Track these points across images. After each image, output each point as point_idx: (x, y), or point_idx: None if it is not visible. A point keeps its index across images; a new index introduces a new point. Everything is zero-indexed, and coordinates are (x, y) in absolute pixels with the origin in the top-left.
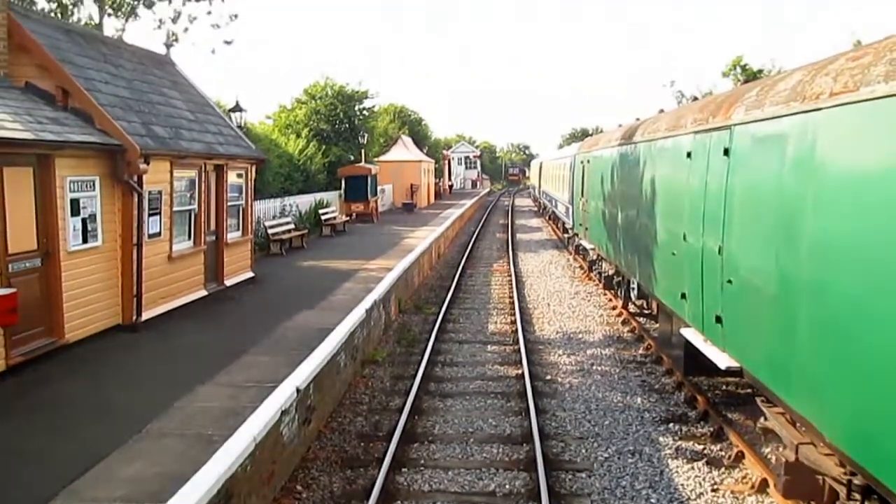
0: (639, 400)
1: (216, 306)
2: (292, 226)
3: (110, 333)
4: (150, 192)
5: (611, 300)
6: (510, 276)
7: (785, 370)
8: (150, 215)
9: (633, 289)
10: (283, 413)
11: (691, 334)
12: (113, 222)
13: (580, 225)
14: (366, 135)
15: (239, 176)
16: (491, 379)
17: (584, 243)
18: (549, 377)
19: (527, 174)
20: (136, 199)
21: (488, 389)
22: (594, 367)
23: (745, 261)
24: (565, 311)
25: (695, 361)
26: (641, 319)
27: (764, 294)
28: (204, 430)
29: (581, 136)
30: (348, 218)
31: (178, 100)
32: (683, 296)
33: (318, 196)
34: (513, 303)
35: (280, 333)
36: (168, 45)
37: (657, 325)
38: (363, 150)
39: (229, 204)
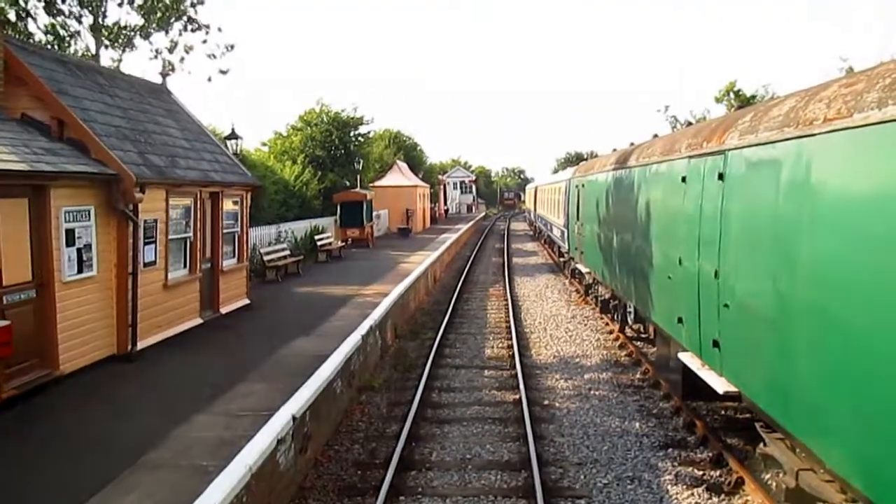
0: (637, 425)
1: (212, 335)
2: (288, 252)
3: (105, 364)
4: (145, 221)
5: (608, 324)
6: (506, 300)
7: (784, 395)
8: (145, 244)
9: (630, 313)
10: (279, 442)
11: (689, 359)
12: (108, 251)
13: (576, 249)
14: (361, 160)
15: (235, 203)
16: (488, 404)
17: (580, 267)
18: (546, 402)
19: (522, 198)
20: (131, 228)
21: (486, 415)
22: (592, 392)
23: (742, 284)
24: (562, 336)
25: (693, 386)
26: (639, 343)
27: (761, 318)
28: (199, 460)
29: (575, 160)
30: (344, 244)
31: (174, 128)
32: (680, 320)
33: (314, 222)
34: (509, 327)
35: (275, 361)
36: (164, 75)
37: (654, 350)
38: (358, 176)
39: (225, 231)
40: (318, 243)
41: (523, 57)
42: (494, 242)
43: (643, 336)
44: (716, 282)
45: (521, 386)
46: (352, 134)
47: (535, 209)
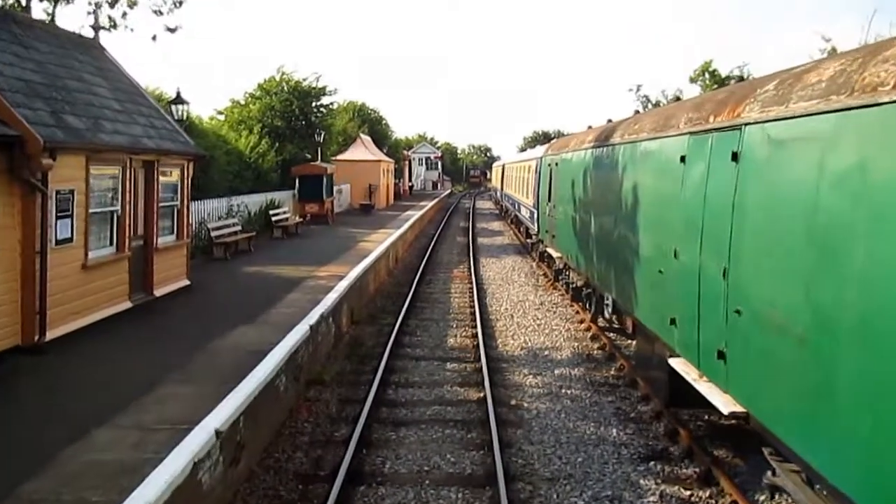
0: (614, 432)
1: (141, 321)
2: (239, 228)
3: (7, 357)
4: (58, 192)
5: (578, 312)
6: (471, 283)
7: (811, 426)
8: (58, 218)
9: (608, 305)
10: (198, 464)
11: (681, 366)
12: (11, 227)
13: (546, 232)
14: (322, 133)
15: (174, 174)
16: (450, 403)
17: (551, 251)
18: (513, 402)
19: (488, 176)
20: (39, 200)
21: (447, 416)
22: (563, 391)
23: (761, 289)
24: (530, 324)
25: (679, 392)
26: (612, 335)
27: (788, 332)
28: (88, 494)
29: (543, 138)
30: (302, 219)
31: (103, 87)
32: (673, 321)
33: (270, 196)
34: (474, 313)
35: (209, 355)
36: (96, 28)
37: (630, 343)
38: (319, 149)
39: (161, 205)
40: (274, 219)
41: (490, 34)
42: (459, 221)
43: (616, 327)
44: (723, 282)
45: (487, 383)
46: (314, 104)
47: (501, 188)
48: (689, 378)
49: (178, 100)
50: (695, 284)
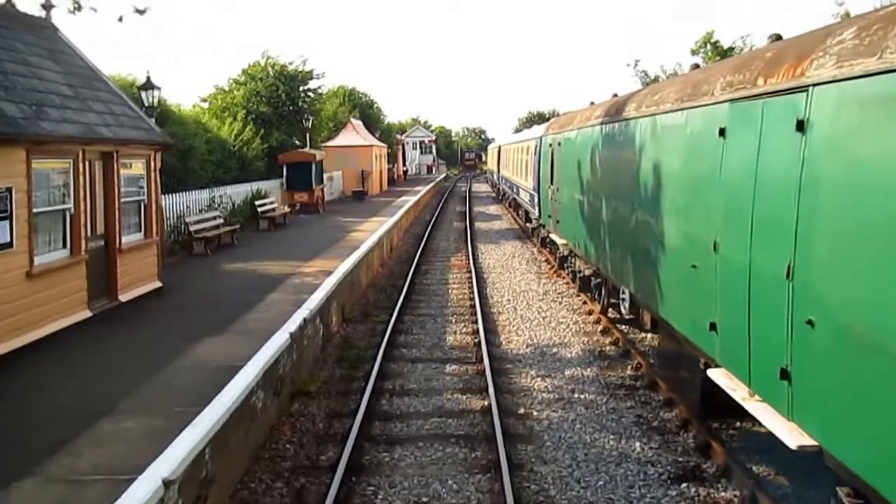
0: (637, 446)
1: (99, 332)
2: (221, 220)
3: None
4: None
5: (586, 302)
6: (470, 272)
7: None
8: None
9: (624, 299)
10: None
11: (723, 380)
12: None
13: (549, 217)
14: (310, 118)
15: (138, 165)
16: (451, 415)
17: (555, 237)
18: (521, 411)
19: (483, 159)
20: None
21: (448, 431)
22: (576, 396)
23: (846, 295)
24: (534, 317)
25: (714, 402)
26: (623, 327)
27: (886, 352)
28: None
29: (538, 119)
30: (291, 209)
31: (53, 71)
32: (713, 327)
33: (257, 185)
34: (474, 306)
35: (170, 375)
36: (46, 7)
37: (645, 337)
38: (308, 135)
39: (125, 200)
40: (260, 210)
41: (481, 12)
42: (456, 205)
43: (629, 318)
44: (787, 283)
45: (491, 389)
46: (301, 89)
47: (498, 170)
48: (735, 396)
49: (148, 85)
50: (742, 284)
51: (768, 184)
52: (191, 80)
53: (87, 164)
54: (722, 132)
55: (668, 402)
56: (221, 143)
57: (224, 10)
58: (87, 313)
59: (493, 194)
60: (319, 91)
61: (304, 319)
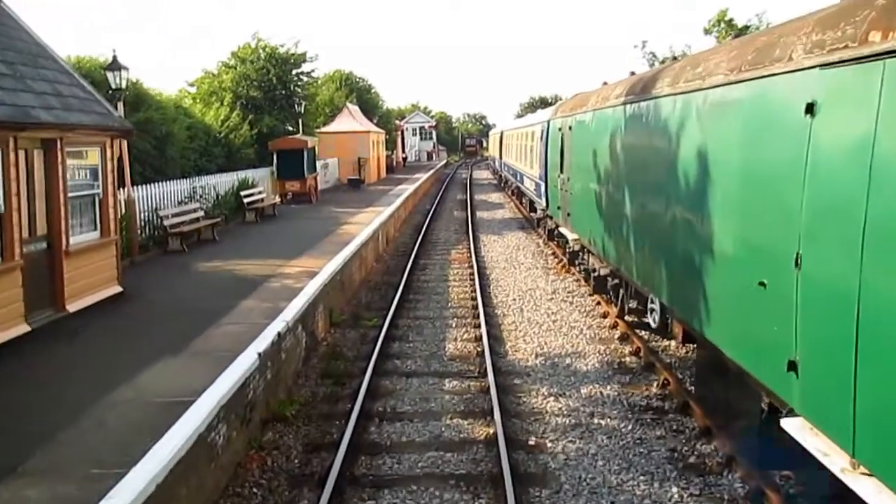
0: (674, 490)
1: (34, 352)
2: (201, 214)
3: None
4: None
5: (600, 303)
6: (471, 267)
7: None
8: None
9: (653, 310)
10: None
11: (808, 437)
12: None
13: (558, 209)
14: (303, 103)
15: (91, 154)
16: (450, 447)
17: (565, 232)
18: (532, 441)
19: (484, 145)
20: None
21: (446, 469)
22: (595, 421)
23: None
24: (543, 321)
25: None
26: (643, 332)
27: None
28: None
29: (540, 104)
30: (282, 199)
31: None
32: (793, 366)
33: (244, 174)
34: (476, 307)
35: (104, 413)
36: None
37: (669, 345)
38: (300, 121)
39: (74, 195)
40: (246, 200)
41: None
42: (456, 193)
43: (645, 320)
44: None
45: (497, 413)
46: (293, 72)
47: (500, 157)
48: (830, 465)
49: (115, 65)
50: (845, 315)
51: (893, 177)
52: (188, 73)
53: (20, 153)
54: (810, 108)
55: (705, 431)
56: (205, 129)
57: (222, 3)
58: (25, 328)
59: (495, 182)
60: (313, 75)
61: (279, 334)
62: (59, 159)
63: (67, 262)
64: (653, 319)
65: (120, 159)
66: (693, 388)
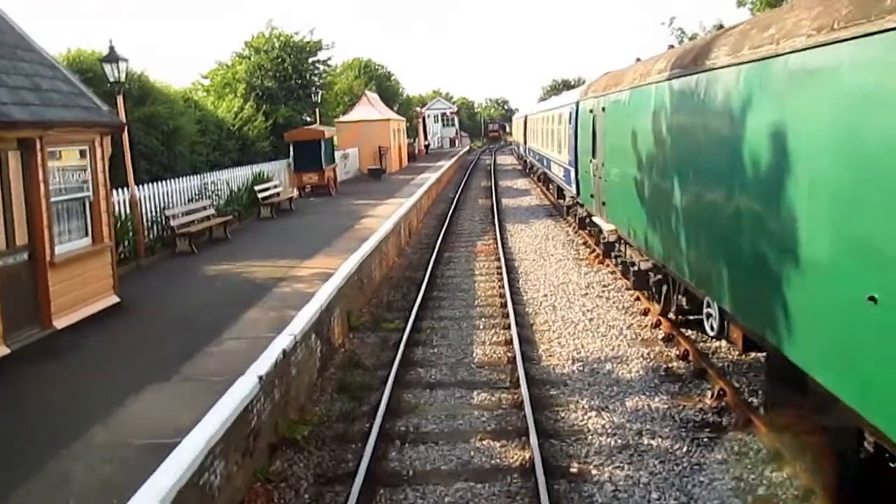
0: None
1: (7, 381)
2: (212, 212)
3: None
4: None
5: (639, 299)
6: (498, 259)
7: None
8: None
9: (712, 316)
10: None
11: None
12: None
13: (591, 197)
14: (320, 91)
15: (77, 154)
16: (481, 477)
17: (600, 222)
18: (575, 467)
19: (507, 130)
20: None
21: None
22: (645, 442)
23: None
24: (578, 319)
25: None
26: (688, 331)
27: None
28: None
29: (563, 87)
30: (300, 192)
31: None
32: None
33: (259, 168)
34: (505, 304)
35: (72, 463)
36: None
37: (719, 346)
38: (318, 110)
39: (60, 199)
40: (261, 195)
41: None
42: (480, 180)
43: (692, 317)
44: None
45: (533, 435)
46: (310, 61)
47: (524, 141)
48: None
49: (112, 56)
50: None
51: None
52: (203, 66)
53: None
54: None
55: (775, 455)
56: (217, 122)
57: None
58: (3, 350)
59: (520, 167)
60: (330, 62)
61: (284, 351)
62: (40, 161)
63: (53, 274)
64: (710, 326)
65: (121, 158)
66: (755, 399)
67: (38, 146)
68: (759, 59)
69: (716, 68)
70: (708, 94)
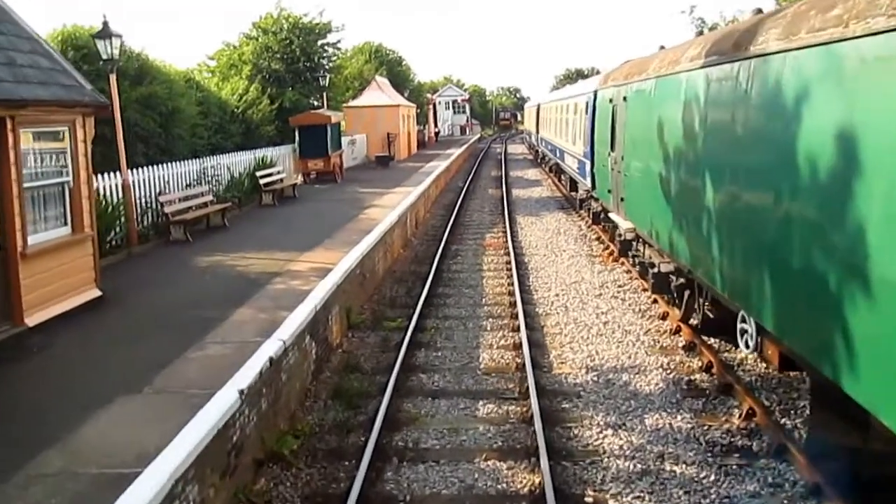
0: None
1: None
2: (210, 198)
3: None
4: None
5: (656, 301)
6: (508, 254)
7: None
8: None
9: (747, 332)
10: None
11: None
12: None
13: (609, 192)
14: (328, 75)
15: (56, 135)
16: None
17: (616, 219)
18: (589, 497)
19: (519, 118)
20: None
21: None
22: (667, 468)
23: None
24: (592, 322)
25: None
26: (711, 340)
27: None
28: None
29: (576, 76)
30: (305, 179)
31: None
32: None
33: (262, 153)
34: (514, 304)
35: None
36: None
37: (744, 359)
38: (325, 94)
39: (34, 184)
40: (262, 181)
41: None
42: (491, 170)
43: (714, 323)
44: None
45: (544, 455)
46: (319, 43)
47: (536, 131)
48: None
49: (105, 32)
50: None
51: None
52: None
53: None
54: None
55: (814, 489)
56: (220, 104)
57: None
58: None
59: (531, 157)
60: (339, 45)
61: (271, 359)
62: (11, 143)
63: (25, 267)
64: (745, 343)
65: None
66: (788, 419)
67: (10, 126)
68: (819, 44)
69: (763, 55)
70: (753, 83)
